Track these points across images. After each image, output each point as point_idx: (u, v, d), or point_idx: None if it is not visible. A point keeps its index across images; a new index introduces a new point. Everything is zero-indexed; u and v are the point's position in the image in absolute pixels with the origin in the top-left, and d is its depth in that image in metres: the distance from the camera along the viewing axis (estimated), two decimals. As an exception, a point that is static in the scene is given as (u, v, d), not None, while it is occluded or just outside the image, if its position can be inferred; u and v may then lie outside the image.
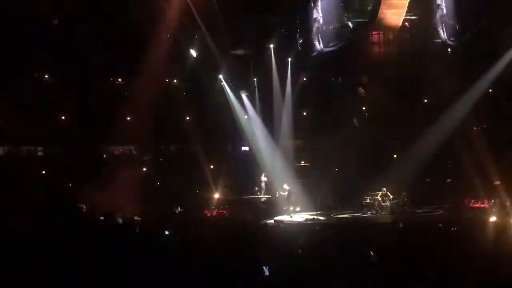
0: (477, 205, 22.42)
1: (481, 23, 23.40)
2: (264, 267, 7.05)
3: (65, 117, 25.91)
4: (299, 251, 9.95)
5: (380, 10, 23.61)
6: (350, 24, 24.68)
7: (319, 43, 25.11)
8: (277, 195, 24.44)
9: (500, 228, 13.33)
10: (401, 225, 13.94)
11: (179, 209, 22.03)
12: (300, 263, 8.53)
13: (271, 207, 23.52)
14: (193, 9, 23.61)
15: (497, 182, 22.54)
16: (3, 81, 22.00)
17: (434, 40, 24.74)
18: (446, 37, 24.16)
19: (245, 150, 28.90)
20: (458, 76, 23.44)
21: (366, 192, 22.96)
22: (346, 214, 22.46)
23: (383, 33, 26.25)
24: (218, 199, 24.46)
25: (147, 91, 24.60)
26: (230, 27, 24.81)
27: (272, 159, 26.12)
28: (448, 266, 7.89)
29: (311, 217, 20.76)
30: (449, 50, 24.36)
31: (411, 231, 12.87)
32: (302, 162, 28.34)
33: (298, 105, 27.49)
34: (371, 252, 8.46)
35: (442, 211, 21.49)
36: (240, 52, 26.72)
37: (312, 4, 25.04)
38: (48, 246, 7.80)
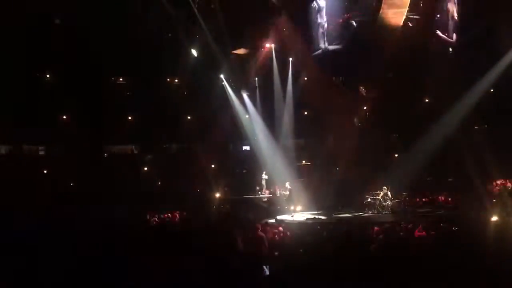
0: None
1: (483, 22, 23.36)
2: (264, 267, 7.06)
3: (66, 117, 25.96)
4: (301, 250, 9.96)
5: (381, 9, 23.58)
6: (354, 23, 24.56)
7: (323, 41, 24.94)
8: (278, 195, 24.45)
9: (501, 227, 13.33)
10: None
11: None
12: (301, 262, 8.53)
13: (272, 207, 23.53)
14: (194, 7, 23.61)
15: (499, 182, 22.56)
16: (4, 81, 22.01)
17: (436, 40, 24.69)
18: (448, 37, 24.10)
19: (246, 150, 28.92)
20: (459, 75, 23.41)
21: (367, 191, 22.96)
22: (347, 213, 22.44)
23: (384, 32, 26.20)
24: (219, 198, 24.51)
25: (148, 90, 24.63)
26: (231, 26, 24.79)
27: (273, 159, 26.10)
28: (450, 266, 7.90)
29: (312, 216, 20.75)
30: (450, 49, 24.29)
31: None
32: (303, 161, 28.35)
33: (299, 104, 27.49)
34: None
35: (443, 211, 21.46)
36: (241, 51, 26.70)
37: (315, 3, 24.93)
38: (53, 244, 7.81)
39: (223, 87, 27.18)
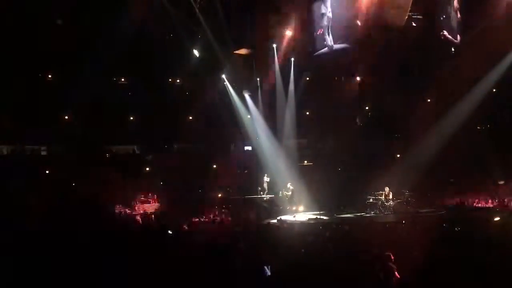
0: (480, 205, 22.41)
1: (485, 22, 23.30)
2: (265, 267, 7.04)
3: (68, 117, 25.98)
4: (302, 250, 9.94)
5: (384, 8, 23.54)
6: (359, 23, 24.45)
7: (328, 40, 24.72)
8: (280, 195, 24.44)
9: (503, 227, 13.30)
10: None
11: None
12: (303, 262, 8.51)
13: (274, 207, 23.51)
14: (196, 7, 23.59)
15: (501, 182, 22.52)
16: (6, 81, 22.05)
17: (441, 40, 24.61)
18: (452, 37, 24.03)
19: (248, 150, 28.91)
20: (461, 75, 23.36)
21: (369, 191, 22.93)
22: (349, 213, 22.42)
23: (387, 32, 26.13)
24: (221, 198, 24.52)
25: (150, 90, 24.63)
26: (233, 26, 24.78)
27: (275, 159, 26.09)
28: (452, 266, 7.87)
29: (314, 216, 20.73)
30: (453, 49, 24.23)
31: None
32: (305, 161, 28.34)
33: (301, 104, 27.47)
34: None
35: (445, 211, 21.43)
36: (243, 51, 26.68)
37: (320, 2, 24.77)
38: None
39: (225, 87, 27.19)
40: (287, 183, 24.50)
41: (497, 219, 15.48)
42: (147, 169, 26.74)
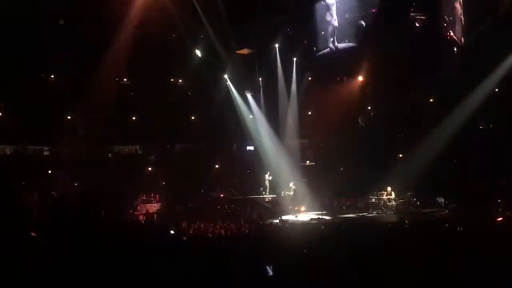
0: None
1: (488, 22, 23.26)
2: (267, 267, 7.03)
3: (70, 117, 26.02)
4: (305, 250, 9.93)
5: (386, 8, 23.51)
6: (363, 22, 24.38)
7: (332, 39, 24.62)
8: (282, 195, 24.42)
9: (506, 227, 13.27)
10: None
11: None
12: (305, 263, 8.50)
13: (276, 207, 23.50)
14: (198, 8, 23.60)
15: (503, 182, 22.44)
16: (8, 81, 22.08)
17: (444, 39, 24.57)
18: (456, 38, 23.99)
19: (250, 150, 28.92)
20: (464, 75, 23.32)
21: (371, 191, 22.89)
22: (352, 213, 22.38)
23: (389, 32, 26.08)
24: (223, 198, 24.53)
25: (152, 91, 24.65)
26: (235, 26, 24.77)
27: (277, 159, 26.10)
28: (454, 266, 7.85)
29: (317, 216, 20.71)
30: (455, 49, 24.19)
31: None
32: (308, 161, 28.32)
33: (303, 104, 27.46)
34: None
35: (447, 211, 21.37)
36: (245, 51, 26.69)
37: (324, 1, 24.71)
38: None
39: (227, 87, 27.20)
40: (289, 183, 24.48)
41: (500, 219, 15.44)
42: (150, 169, 26.76)
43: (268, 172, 25.55)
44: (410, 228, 13.30)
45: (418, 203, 22.50)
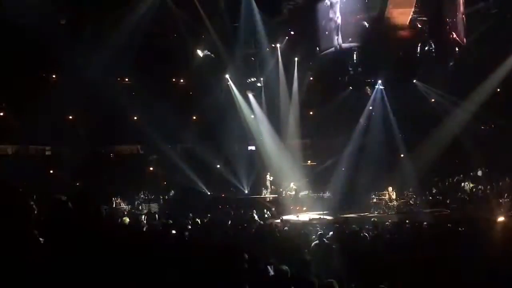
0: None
1: (489, 22, 23.24)
2: (268, 267, 7.02)
3: (72, 117, 26.04)
4: (306, 250, 9.93)
5: (387, 9, 23.46)
6: (366, 23, 24.28)
7: (336, 39, 24.49)
8: (284, 195, 24.42)
9: (508, 228, 13.22)
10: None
11: None
12: (306, 263, 8.49)
13: (277, 207, 23.50)
14: (199, 8, 23.58)
15: (503, 182, 22.43)
16: (9, 80, 22.09)
17: (445, 40, 24.52)
18: (458, 38, 23.95)
19: (251, 150, 28.91)
20: (465, 75, 23.31)
21: (373, 191, 22.88)
22: (353, 214, 22.36)
23: (390, 32, 26.02)
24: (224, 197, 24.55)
25: (153, 90, 24.65)
26: (236, 26, 24.77)
27: (279, 159, 26.08)
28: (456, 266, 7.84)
29: (318, 216, 20.70)
30: (457, 49, 24.15)
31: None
32: (309, 161, 28.30)
33: (304, 104, 27.43)
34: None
35: (449, 211, 21.35)
36: (246, 51, 26.67)
37: (326, 2, 24.63)
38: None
39: (228, 87, 27.18)
40: (290, 183, 24.47)
41: (501, 219, 15.39)
42: (151, 168, 26.78)
43: (269, 173, 25.55)
44: (411, 228, 13.28)
45: (418, 203, 22.50)
